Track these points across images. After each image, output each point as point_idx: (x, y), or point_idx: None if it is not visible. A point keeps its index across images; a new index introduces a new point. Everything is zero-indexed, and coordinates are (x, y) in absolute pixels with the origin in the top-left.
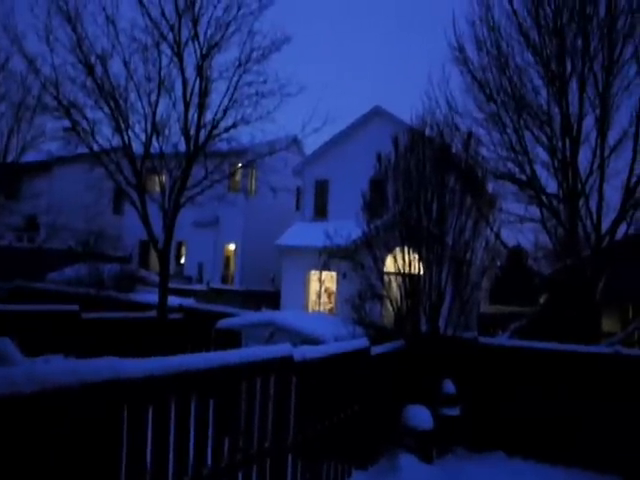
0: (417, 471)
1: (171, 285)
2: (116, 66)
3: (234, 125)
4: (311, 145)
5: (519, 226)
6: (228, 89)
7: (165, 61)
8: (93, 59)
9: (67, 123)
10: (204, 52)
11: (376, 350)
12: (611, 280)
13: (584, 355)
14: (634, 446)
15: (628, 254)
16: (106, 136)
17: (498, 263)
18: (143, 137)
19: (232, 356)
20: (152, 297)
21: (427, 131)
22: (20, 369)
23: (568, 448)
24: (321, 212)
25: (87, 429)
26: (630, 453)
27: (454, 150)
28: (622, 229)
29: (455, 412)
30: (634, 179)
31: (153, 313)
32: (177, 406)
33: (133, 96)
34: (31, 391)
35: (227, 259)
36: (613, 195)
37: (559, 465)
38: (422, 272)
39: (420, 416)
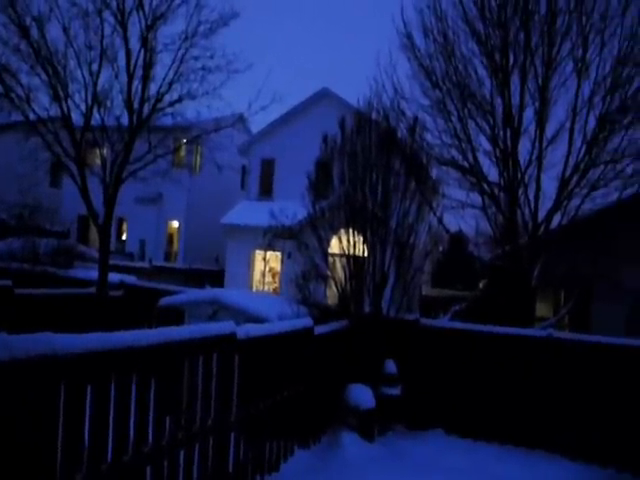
0: (359, 448)
1: (112, 262)
2: (54, 31)
3: (179, 99)
4: (258, 124)
5: (461, 212)
6: (174, 62)
7: (108, 30)
8: (28, 21)
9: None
10: (149, 23)
11: (320, 330)
12: (546, 267)
13: (519, 337)
14: (562, 424)
15: (562, 242)
16: (43, 104)
17: (440, 248)
18: (83, 107)
19: (174, 333)
20: (92, 273)
21: (373, 115)
22: None
23: (502, 426)
24: (267, 191)
25: (21, 407)
26: (558, 430)
27: (400, 135)
28: (557, 218)
29: (396, 391)
30: (569, 171)
31: (93, 290)
32: (117, 383)
33: (73, 64)
34: None
35: (170, 236)
36: (550, 185)
37: (494, 442)
38: (366, 254)
39: (362, 395)
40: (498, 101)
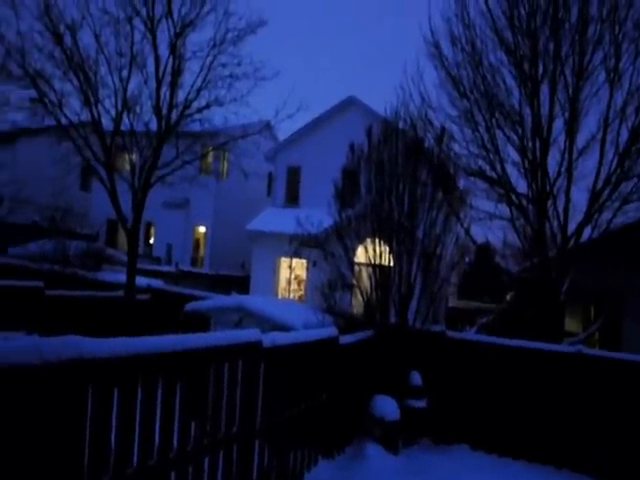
0: (383, 461)
1: (139, 265)
2: (86, 38)
3: (207, 106)
4: (284, 131)
5: (488, 223)
6: (202, 69)
7: (138, 37)
8: (62, 28)
9: (34, 94)
10: (178, 30)
11: (345, 339)
12: (575, 281)
13: (548, 353)
14: (593, 443)
15: (592, 256)
16: (74, 109)
17: (467, 259)
18: (113, 113)
19: (201, 339)
20: (119, 277)
21: (400, 124)
22: None
23: (530, 443)
24: (293, 199)
25: (49, 410)
26: (589, 450)
27: (427, 144)
28: (587, 232)
29: (422, 404)
30: (600, 183)
31: (120, 293)
32: (143, 388)
33: (103, 70)
34: None
35: (197, 241)
36: (580, 198)
37: (521, 459)
38: (392, 264)
39: (387, 407)
40: (527, 111)
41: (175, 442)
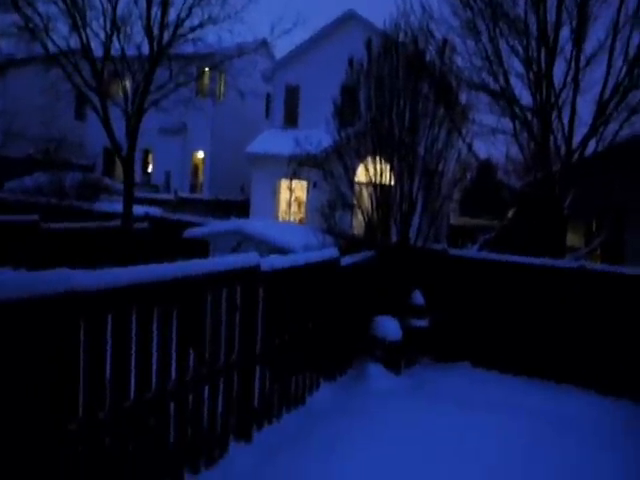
0: (385, 381)
1: (137, 194)
2: None
3: (200, 25)
4: (282, 50)
5: (491, 138)
6: None
7: None
8: None
9: (18, 19)
10: None
11: (346, 260)
12: (578, 195)
13: (551, 268)
14: (595, 358)
15: (597, 170)
16: (62, 34)
17: (469, 176)
18: (102, 36)
19: (197, 266)
20: (117, 206)
21: (401, 36)
22: None
23: (531, 360)
24: (292, 119)
25: (41, 345)
26: (590, 365)
27: (428, 57)
28: (592, 145)
29: (424, 323)
30: (607, 94)
31: (118, 222)
32: (138, 319)
33: None
34: None
35: (195, 167)
36: (586, 110)
37: (521, 375)
38: (393, 182)
39: (389, 327)
40: (532, 19)
41: (173, 372)
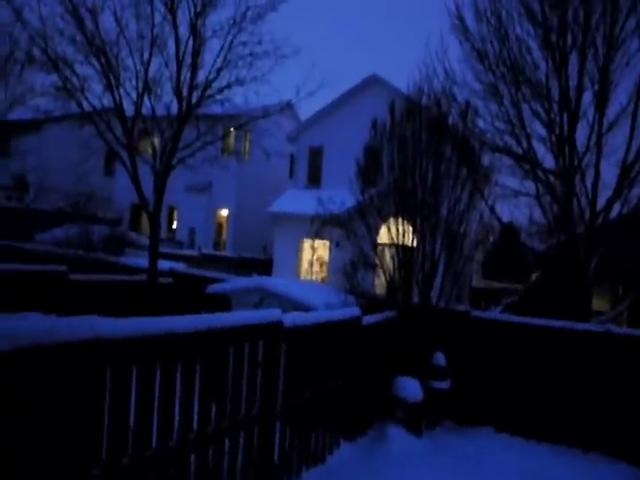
0: (406, 443)
1: (162, 249)
2: (107, 21)
3: (228, 86)
4: (306, 111)
5: (514, 200)
6: (222, 49)
7: (158, 18)
8: (83, 11)
9: (56, 79)
10: (198, 10)
11: (368, 319)
12: (604, 259)
13: (575, 332)
14: (621, 425)
15: (622, 234)
16: (97, 94)
17: (491, 238)
18: (134, 95)
19: (220, 319)
20: (142, 261)
21: (424, 100)
22: None
23: (555, 426)
24: (315, 180)
25: (66, 391)
26: (617, 432)
27: (451, 120)
28: (617, 208)
29: (445, 385)
30: (631, 157)
31: (143, 277)
32: (162, 369)
33: (124, 53)
34: (2, 349)
35: (219, 225)
36: (609, 173)
37: (546, 442)
38: (416, 243)
39: (410, 388)
40: (554, 84)
41: (195, 424)
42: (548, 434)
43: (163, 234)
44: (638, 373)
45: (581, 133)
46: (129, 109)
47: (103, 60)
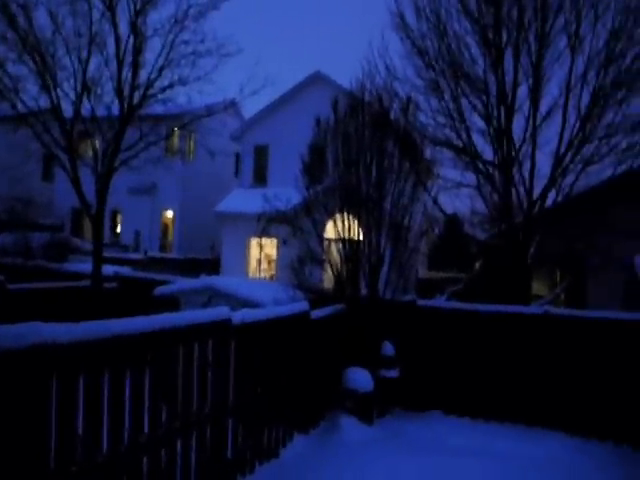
0: (358, 432)
1: (107, 254)
2: (41, 18)
3: (170, 85)
4: (250, 110)
5: (456, 192)
6: (164, 47)
7: (96, 15)
8: (14, 8)
9: None
10: (138, 8)
11: (316, 314)
12: (541, 245)
13: (516, 315)
14: (559, 398)
15: (556, 220)
16: (32, 94)
17: (436, 230)
18: (73, 96)
19: (168, 319)
20: (86, 266)
21: (366, 96)
22: None
23: (501, 405)
24: (261, 178)
25: (10, 398)
26: (556, 405)
27: (393, 116)
28: (552, 196)
29: (394, 374)
30: (563, 147)
31: (87, 282)
32: (110, 372)
33: (61, 52)
34: None
35: (165, 226)
36: (544, 163)
37: (492, 421)
38: (362, 236)
39: (360, 379)
40: (492, 79)
41: (146, 426)
42: (493, 413)
43: (107, 238)
44: (573, 349)
45: (517, 125)
46: (68, 110)
47: (38, 59)
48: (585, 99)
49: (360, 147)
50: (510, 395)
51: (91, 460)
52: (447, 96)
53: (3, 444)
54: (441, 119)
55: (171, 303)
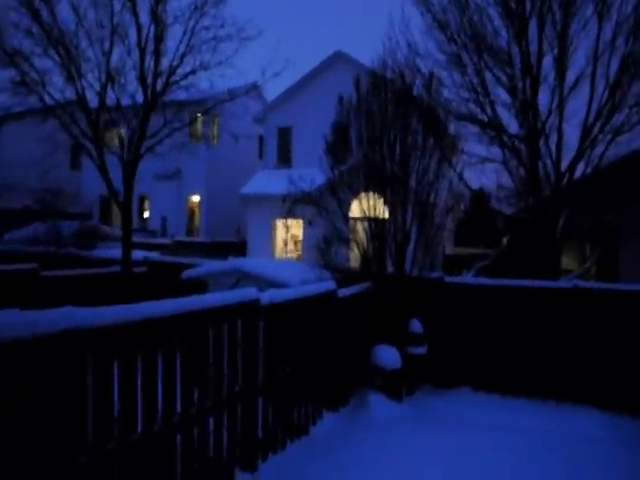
0: (386, 409)
1: (135, 239)
2: (64, 11)
3: (192, 71)
4: (272, 92)
5: (481, 167)
6: (185, 34)
7: (117, 6)
8: (38, 2)
9: (15, 74)
10: None
11: (343, 292)
12: (570, 218)
13: (545, 290)
14: (590, 374)
15: (586, 192)
16: (58, 87)
17: (462, 206)
18: (97, 86)
19: (198, 301)
20: (115, 252)
21: (388, 73)
22: None
23: (530, 381)
24: (285, 160)
25: (49, 382)
26: (587, 381)
27: (416, 92)
28: (581, 168)
29: (422, 350)
30: (591, 117)
31: (117, 268)
32: (142, 353)
33: (85, 43)
34: None
35: (191, 211)
36: (572, 134)
37: (521, 397)
38: (387, 214)
39: (388, 356)
40: (515, 50)
41: (179, 405)
42: (523, 389)
43: (135, 224)
44: (605, 323)
45: (543, 97)
46: (93, 100)
47: (62, 52)
48: (614, 67)
49: (383, 125)
50: (539, 371)
51: (126, 439)
52: (470, 70)
53: (44, 423)
54: (464, 93)
55: (199, 286)
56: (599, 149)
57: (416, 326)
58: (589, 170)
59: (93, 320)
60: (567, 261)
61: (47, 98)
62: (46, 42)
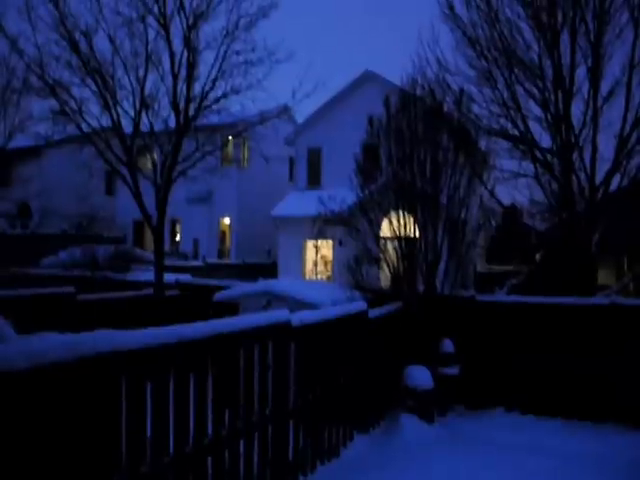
0: (419, 431)
1: (167, 262)
2: (101, 42)
3: (224, 95)
4: (302, 113)
5: (513, 182)
6: (216, 59)
7: (151, 34)
8: (77, 35)
9: (55, 104)
10: (190, 23)
11: (374, 313)
12: (606, 233)
13: (580, 307)
14: (632, 395)
15: (622, 205)
16: (94, 114)
17: (493, 223)
18: (132, 113)
19: (229, 323)
20: (148, 275)
21: (418, 90)
22: (14, 345)
23: (564, 401)
24: (315, 180)
25: (86, 403)
26: (628, 402)
27: (446, 108)
28: (616, 180)
29: (455, 371)
30: (627, 128)
31: (150, 291)
32: (176, 375)
33: (120, 72)
34: (25, 367)
35: (222, 233)
36: (606, 146)
37: (558, 417)
38: (418, 233)
39: (420, 376)
40: (547, 63)
41: (210, 428)
42: (559, 410)
43: (167, 247)
44: None
45: (576, 109)
46: (127, 126)
47: (99, 81)
48: None
49: (413, 142)
50: (576, 391)
51: (159, 461)
52: (501, 85)
53: (82, 443)
54: (495, 109)
55: (231, 307)
56: (636, 160)
57: (448, 346)
58: (625, 182)
59: (128, 342)
60: (604, 276)
61: (84, 126)
62: (84, 72)
